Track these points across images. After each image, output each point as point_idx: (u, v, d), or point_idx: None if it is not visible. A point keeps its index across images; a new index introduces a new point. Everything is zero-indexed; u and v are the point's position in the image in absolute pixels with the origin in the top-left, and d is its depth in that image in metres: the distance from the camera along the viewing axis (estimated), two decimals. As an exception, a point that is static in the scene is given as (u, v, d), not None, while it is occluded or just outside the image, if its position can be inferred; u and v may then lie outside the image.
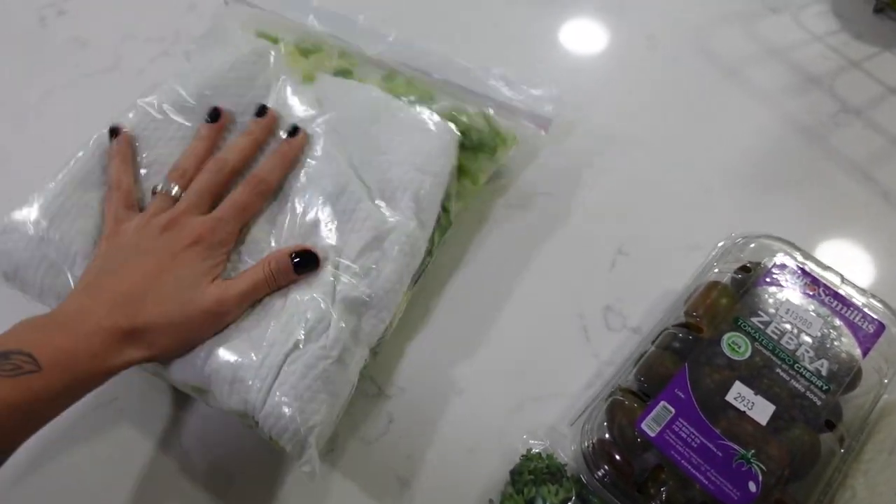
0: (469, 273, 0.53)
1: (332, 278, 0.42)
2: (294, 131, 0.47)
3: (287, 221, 0.44)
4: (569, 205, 0.57)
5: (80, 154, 0.45)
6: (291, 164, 0.46)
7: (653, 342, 0.45)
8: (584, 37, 0.69)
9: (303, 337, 0.39)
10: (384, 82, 0.53)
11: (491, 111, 0.52)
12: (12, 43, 0.65)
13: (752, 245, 0.49)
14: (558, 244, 0.55)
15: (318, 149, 0.47)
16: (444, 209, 0.50)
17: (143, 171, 0.46)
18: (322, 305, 0.40)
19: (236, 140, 0.47)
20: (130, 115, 0.47)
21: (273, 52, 0.51)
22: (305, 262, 0.42)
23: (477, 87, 0.54)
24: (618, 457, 0.40)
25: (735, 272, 0.47)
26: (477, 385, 0.48)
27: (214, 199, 0.44)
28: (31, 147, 0.59)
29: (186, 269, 0.40)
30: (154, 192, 0.44)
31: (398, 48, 0.54)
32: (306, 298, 0.41)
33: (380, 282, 0.43)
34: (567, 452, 0.44)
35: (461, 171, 0.51)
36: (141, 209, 0.44)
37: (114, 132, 0.46)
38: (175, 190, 0.44)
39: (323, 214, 0.44)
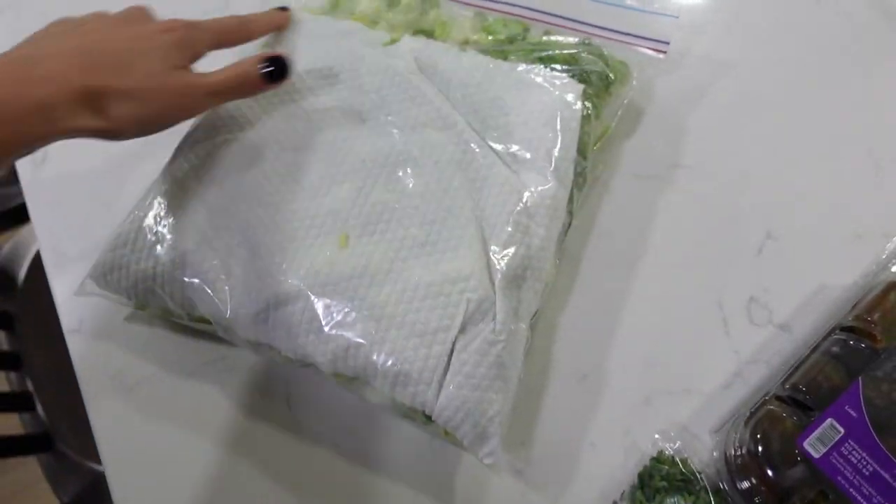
0: (595, 249, 0.48)
1: (485, 252, 0.38)
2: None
3: (413, 187, 0.41)
4: (705, 171, 0.50)
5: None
6: (273, 29, 0.46)
7: (813, 347, 0.40)
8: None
9: (467, 320, 0.36)
10: (476, 19, 0.49)
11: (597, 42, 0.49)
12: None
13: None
14: (696, 221, 0.49)
15: (430, 114, 0.43)
16: (578, 166, 0.45)
17: None
18: (482, 284, 0.37)
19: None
20: None
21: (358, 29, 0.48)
22: (276, 73, 0.40)
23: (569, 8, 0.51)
24: (770, 473, 0.36)
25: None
26: (601, 372, 0.44)
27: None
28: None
29: (155, 47, 0.36)
30: None
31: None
32: (463, 275, 0.37)
33: (533, 250, 0.39)
34: (701, 458, 0.40)
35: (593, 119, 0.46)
36: None
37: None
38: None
39: (454, 182, 0.41)
